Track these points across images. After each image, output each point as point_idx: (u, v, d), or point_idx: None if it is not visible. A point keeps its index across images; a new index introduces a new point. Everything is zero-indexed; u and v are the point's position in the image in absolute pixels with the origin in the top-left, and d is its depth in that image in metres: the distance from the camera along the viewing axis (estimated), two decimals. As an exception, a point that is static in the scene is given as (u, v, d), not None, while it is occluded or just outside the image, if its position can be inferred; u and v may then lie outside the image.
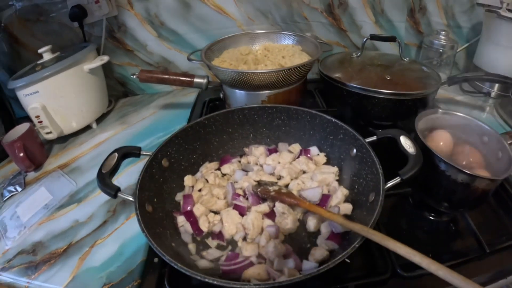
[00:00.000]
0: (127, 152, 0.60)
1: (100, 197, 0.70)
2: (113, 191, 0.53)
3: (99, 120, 0.94)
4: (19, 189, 0.77)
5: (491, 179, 0.53)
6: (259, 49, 0.85)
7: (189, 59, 0.76)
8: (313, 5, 0.94)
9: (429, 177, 0.57)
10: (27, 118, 0.91)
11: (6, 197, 0.75)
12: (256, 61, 0.78)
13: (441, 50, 0.94)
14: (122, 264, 0.56)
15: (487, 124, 0.62)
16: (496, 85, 0.94)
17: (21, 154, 0.77)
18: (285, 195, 0.56)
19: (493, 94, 0.94)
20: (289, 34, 0.85)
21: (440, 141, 0.63)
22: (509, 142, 0.59)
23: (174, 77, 0.78)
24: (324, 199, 0.57)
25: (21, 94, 0.83)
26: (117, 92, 1.05)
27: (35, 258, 0.59)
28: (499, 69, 0.90)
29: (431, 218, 0.62)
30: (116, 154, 0.59)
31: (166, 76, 0.78)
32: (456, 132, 0.64)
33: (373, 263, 0.53)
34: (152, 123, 0.92)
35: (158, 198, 0.57)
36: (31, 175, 0.81)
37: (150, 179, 0.57)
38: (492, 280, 0.52)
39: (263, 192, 0.57)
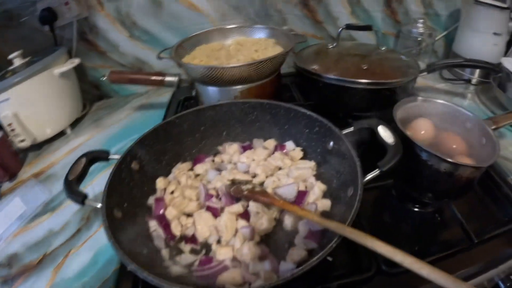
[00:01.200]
0: (95, 157, 0.59)
1: (73, 205, 0.67)
2: (80, 198, 0.51)
3: (73, 125, 0.92)
4: (-7, 200, 0.75)
5: (475, 167, 0.52)
6: (231, 44, 0.83)
7: (158, 57, 0.74)
8: (287, -3, 0.92)
9: (411, 168, 0.56)
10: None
11: (-20, 210, 0.73)
12: (228, 56, 0.76)
13: (419, 39, 0.94)
14: (97, 273, 0.55)
15: (469, 110, 0.61)
16: (477, 72, 0.94)
17: (-7, 164, 0.75)
18: (259, 193, 0.54)
19: (474, 81, 0.94)
20: (262, 28, 0.83)
21: (422, 130, 0.62)
22: (493, 127, 0.59)
23: (145, 76, 0.76)
24: (301, 196, 0.55)
25: (-8, 102, 0.80)
26: (92, 95, 1.03)
27: (11, 271, 0.57)
28: (478, 55, 0.90)
29: (416, 209, 0.61)
30: (84, 159, 0.57)
31: (137, 76, 0.76)
32: (437, 120, 0.63)
33: (357, 260, 0.52)
34: (127, 125, 0.89)
35: (128, 203, 0.55)
36: (6, 185, 0.79)
37: (120, 183, 0.55)
38: (483, 271, 0.50)
39: (236, 192, 0.55)
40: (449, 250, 0.52)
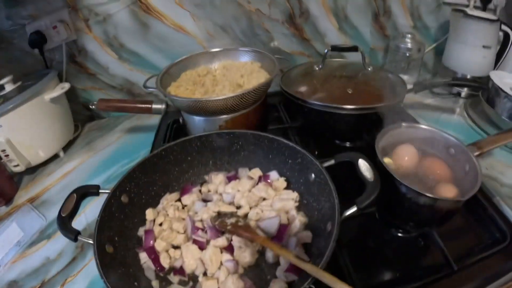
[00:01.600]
0: (85, 192, 0.61)
1: (68, 233, 0.71)
2: (73, 235, 0.53)
3: (66, 147, 0.93)
4: (-11, 226, 0.77)
5: (455, 200, 0.53)
6: (217, 68, 0.84)
7: (145, 87, 0.76)
8: (273, 16, 0.93)
9: (391, 199, 0.57)
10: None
11: (-23, 235, 0.76)
12: (214, 82, 0.77)
13: (407, 54, 0.94)
14: (93, 303, 0.57)
15: (453, 136, 0.61)
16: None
17: (-11, 191, 0.77)
18: (242, 228, 0.56)
19: (463, 94, 0.94)
20: (247, 51, 0.84)
21: (405, 156, 0.62)
22: (476, 153, 0.58)
23: (132, 105, 0.77)
24: (282, 230, 0.57)
25: (-16, 129, 0.82)
26: (83, 116, 1.04)
27: None
28: (468, 68, 0.90)
29: (399, 235, 0.62)
30: (75, 195, 0.59)
31: (124, 105, 0.77)
32: (421, 145, 0.63)
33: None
34: (117, 149, 0.91)
35: (119, 236, 0.57)
36: (2, 209, 0.81)
37: (110, 217, 0.57)
38: None
39: (220, 226, 0.58)
40: (431, 276, 0.53)
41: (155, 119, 0.97)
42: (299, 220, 0.58)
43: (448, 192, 0.55)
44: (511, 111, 0.79)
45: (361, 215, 0.63)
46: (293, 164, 0.65)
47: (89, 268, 0.63)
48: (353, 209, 0.50)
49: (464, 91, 0.94)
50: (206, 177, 0.70)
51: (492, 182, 0.68)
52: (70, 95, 0.95)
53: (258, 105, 0.74)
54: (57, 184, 0.84)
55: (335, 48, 0.82)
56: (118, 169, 0.82)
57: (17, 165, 0.85)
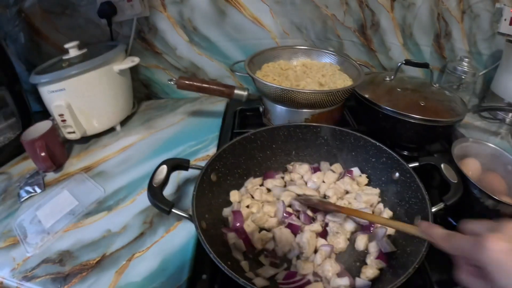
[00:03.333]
0: (176, 164, 0.59)
1: (132, 207, 0.68)
2: (168, 208, 0.52)
3: (122, 122, 0.91)
4: (38, 190, 0.73)
5: None
6: (297, 65, 0.85)
7: (232, 70, 0.76)
8: (347, 24, 0.95)
9: (462, 201, 0.59)
10: (42, 113, 0.87)
11: (24, 198, 0.72)
12: (296, 77, 0.78)
13: (463, 77, 0.98)
14: (167, 281, 0.54)
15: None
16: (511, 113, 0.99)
17: (43, 154, 0.73)
18: (328, 203, 0.58)
19: (507, 121, 0.99)
20: (329, 53, 0.86)
21: (470, 168, 0.67)
22: None
23: (215, 87, 0.76)
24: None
25: (45, 90, 0.79)
26: (140, 94, 1.02)
27: (63, 268, 0.56)
28: (515, 97, 0.95)
29: None
30: (165, 167, 0.58)
31: (206, 86, 0.76)
32: (483, 160, 0.69)
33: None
34: (182, 130, 0.89)
35: (209, 214, 0.56)
36: (51, 175, 0.78)
37: (202, 194, 0.56)
38: None
39: (306, 201, 0.59)
40: None
41: (218, 106, 0.97)
42: (386, 213, 0.60)
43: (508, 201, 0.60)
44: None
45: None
46: (376, 162, 0.66)
47: (161, 245, 0.60)
48: (441, 205, 0.54)
49: (509, 118, 0.99)
50: (289, 167, 0.70)
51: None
52: (132, 71, 0.93)
53: (340, 105, 0.75)
54: (115, 157, 0.81)
55: (408, 62, 0.85)
56: (186, 149, 0.80)
57: (73, 132, 0.82)
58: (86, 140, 0.86)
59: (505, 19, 0.95)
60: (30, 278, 0.55)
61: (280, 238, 0.56)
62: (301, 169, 0.67)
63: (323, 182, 0.65)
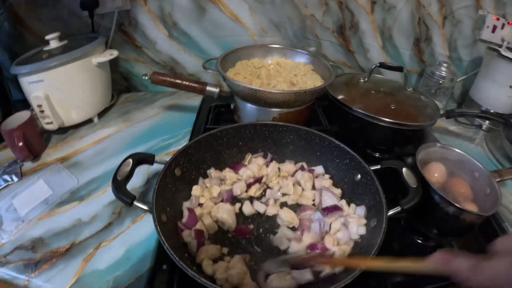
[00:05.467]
0: (141, 159, 0.61)
1: (103, 197, 0.70)
2: (129, 200, 0.54)
3: (100, 114, 0.93)
4: (15, 179, 0.75)
5: (479, 214, 0.59)
6: (271, 63, 0.87)
7: (204, 68, 0.77)
8: (326, 24, 0.96)
9: (423, 206, 0.61)
10: (23, 102, 0.89)
11: (1, 187, 0.74)
12: (269, 76, 0.80)
13: (440, 81, 1.00)
14: (130, 269, 0.57)
15: (479, 161, 0.67)
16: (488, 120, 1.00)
17: (21, 144, 0.75)
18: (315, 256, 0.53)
19: (484, 127, 1.00)
20: (303, 53, 0.87)
21: (435, 173, 0.68)
22: (498, 180, 0.65)
23: (187, 83, 0.78)
24: (337, 208, 0.62)
25: (25, 81, 0.80)
26: (120, 86, 1.04)
27: (35, 255, 0.58)
28: (493, 104, 0.97)
29: (419, 241, 0.67)
30: (131, 161, 0.60)
31: (179, 81, 0.78)
32: (450, 165, 0.70)
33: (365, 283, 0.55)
34: (157, 124, 0.91)
35: (171, 207, 0.59)
36: (28, 165, 0.79)
37: (165, 188, 0.58)
38: None
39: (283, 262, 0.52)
40: (444, 282, 0.57)
41: (194, 101, 0.99)
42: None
43: (470, 208, 0.61)
44: (529, 150, 0.86)
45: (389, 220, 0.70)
46: (340, 163, 0.68)
47: (127, 235, 0.63)
48: (397, 209, 0.55)
49: (486, 124, 1.01)
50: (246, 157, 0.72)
51: (503, 209, 0.73)
52: (111, 63, 0.94)
53: (309, 105, 0.77)
54: (90, 148, 0.83)
55: (382, 65, 0.87)
56: (159, 143, 0.82)
57: (51, 123, 0.84)
58: (64, 131, 0.88)
59: (487, 26, 0.96)
60: (4, 264, 0.57)
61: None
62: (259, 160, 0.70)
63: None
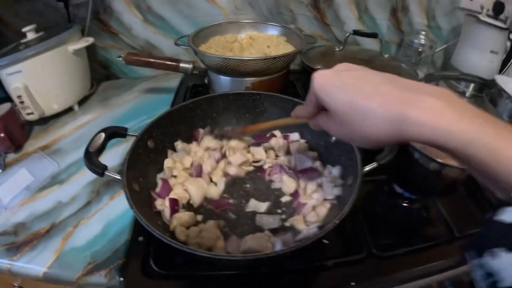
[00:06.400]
0: (114, 132, 0.61)
1: (83, 178, 0.70)
2: (101, 170, 0.54)
3: (81, 102, 0.93)
4: (-1, 170, 0.76)
5: (460, 168, 0.56)
6: (244, 37, 0.87)
7: (176, 44, 0.77)
8: (299, -2, 0.96)
9: (403, 166, 0.61)
10: (7, 100, 0.89)
11: (-16, 179, 0.74)
12: (241, 49, 0.80)
13: (420, 49, 0.99)
14: (107, 244, 0.57)
15: None
16: (471, 86, 0.99)
17: (2, 135, 0.76)
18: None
19: (468, 94, 0.99)
20: (275, 25, 0.87)
21: None
22: None
23: (160, 61, 0.78)
24: (314, 170, 0.63)
25: (3, 73, 0.81)
26: (100, 75, 1.04)
27: (17, 239, 0.59)
28: (474, 70, 0.96)
29: (404, 205, 0.66)
30: (103, 134, 0.60)
31: (152, 60, 0.78)
32: None
33: (350, 245, 0.57)
34: (135, 107, 0.92)
35: (143, 178, 0.59)
36: (11, 156, 0.80)
37: (137, 159, 0.58)
38: (462, 263, 0.55)
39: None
40: (432, 241, 0.58)
41: (173, 82, 0.99)
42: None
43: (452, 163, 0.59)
44: (511, 112, 0.85)
45: (371, 185, 0.70)
46: (315, 127, 0.68)
47: (105, 211, 0.64)
48: (373, 164, 0.54)
49: (469, 91, 1.00)
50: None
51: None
52: (89, 52, 0.95)
53: (283, 74, 0.77)
54: (71, 135, 0.84)
55: (356, 33, 0.87)
56: (137, 124, 0.82)
57: (31, 113, 0.84)
58: (46, 121, 0.88)
59: (466, -5, 0.95)
60: (-13, 251, 0.57)
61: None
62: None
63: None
